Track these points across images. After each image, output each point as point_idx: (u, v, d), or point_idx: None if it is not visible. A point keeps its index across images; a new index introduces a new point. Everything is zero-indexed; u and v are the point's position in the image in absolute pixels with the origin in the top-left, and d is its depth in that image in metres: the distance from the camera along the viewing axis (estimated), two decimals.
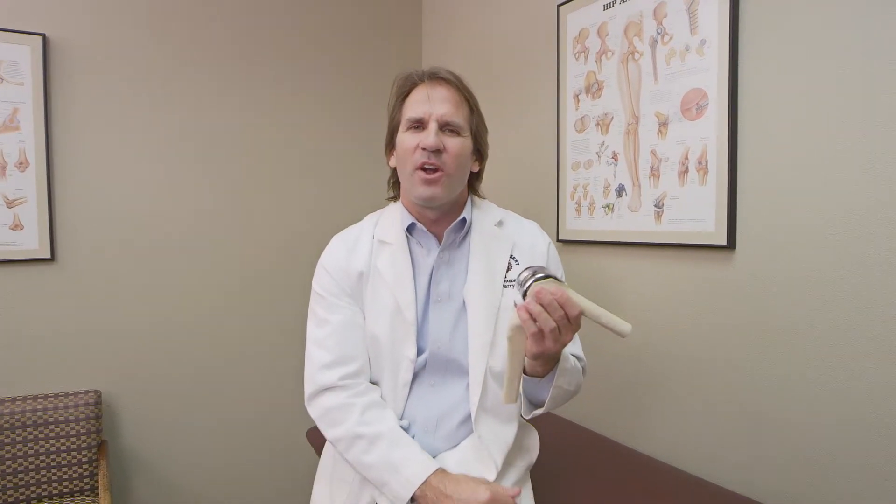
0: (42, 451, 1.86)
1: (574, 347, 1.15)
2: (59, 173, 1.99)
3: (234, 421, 2.29)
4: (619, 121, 1.59)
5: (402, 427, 1.07)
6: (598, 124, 1.66)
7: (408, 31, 2.61)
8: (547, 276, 0.88)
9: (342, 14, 2.45)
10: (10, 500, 1.81)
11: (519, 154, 2.01)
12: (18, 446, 1.83)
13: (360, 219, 1.24)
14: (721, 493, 1.30)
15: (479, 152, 1.18)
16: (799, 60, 1.19)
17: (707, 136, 1.36)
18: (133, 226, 2.10)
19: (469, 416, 1.09)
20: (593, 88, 1.67)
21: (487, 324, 1.09)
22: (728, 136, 1.31)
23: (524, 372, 1.00)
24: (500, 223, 1.19)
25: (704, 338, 1.40)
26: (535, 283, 0.87)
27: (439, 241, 1.14)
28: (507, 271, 1.14)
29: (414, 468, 1.00)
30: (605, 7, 1.62)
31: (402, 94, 1.15)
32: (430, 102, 1.09)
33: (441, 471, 1.00)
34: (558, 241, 1.80)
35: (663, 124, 1.46)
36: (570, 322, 0.88)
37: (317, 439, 1.78)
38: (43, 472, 1.85)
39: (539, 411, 1.05)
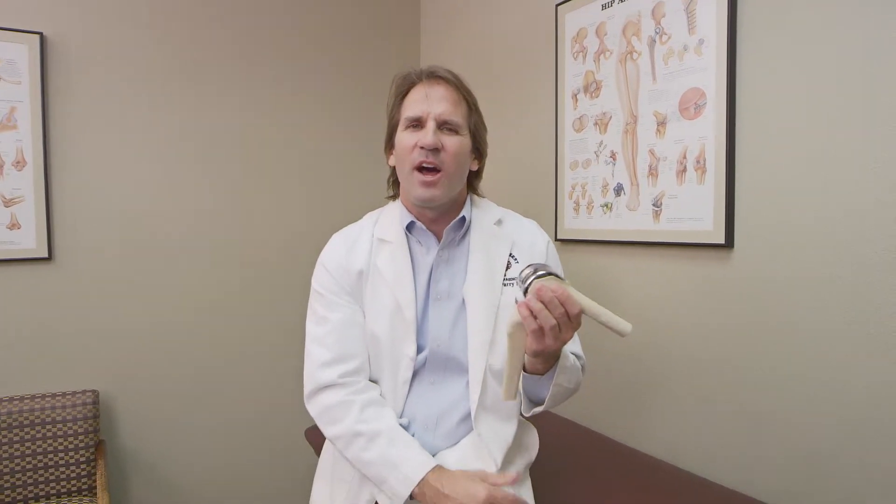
0: (39, 450, 1.85)
1: (573, 346, 1.15)
2: (56, 172, 1.98)
3: (233, 420, 2.29)
4: (618, 120, 1.59)
5: (401, 425, 1.07)
6: (596, 124, 1.66)
7: (407, 32, 2.61)
8: (548, 274, 0.89)
9: (341, 14, 2.45)
10: (7, 500, 1.80)
11: (517, 153, 2.01)
12: (16, 446, 1.82)
13: (359, 218, 1.24)
14: (720, 491, 1.31)
15: (478, 151, 1.18)
16: (797, 60, 1.20)
17: (705, 136, 1.36)
18: (131, 225, 2.10)
19: (469, 414, 1.10)
20: (592, 88, 1.67)
21: (487, 322, 1.09)
22: (726, 136, 1.31)
23: (524, 369, 1.00)
24: (499, 222, 1.19)
25: (703, 336, 1.41)
26: (536, 281, 0.88)
27: (439, 240, 1.14)
28: (506, 270, 1.14)
29: (413, 465, 1.00)
30: (604, 7, 1.62)
31: (401, 94, 1.15)
32: (428, 101, 1.09)
33: (439, 468, 1.00)
34: (556, 240, 1.80)
35: (661, 124, 1.47)
36: (570, 320, 0.89)
37: (315, 438, 1.78)
38: (40, 472, 1.85)
39: (539, 409, 1.05)
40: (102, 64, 2.04)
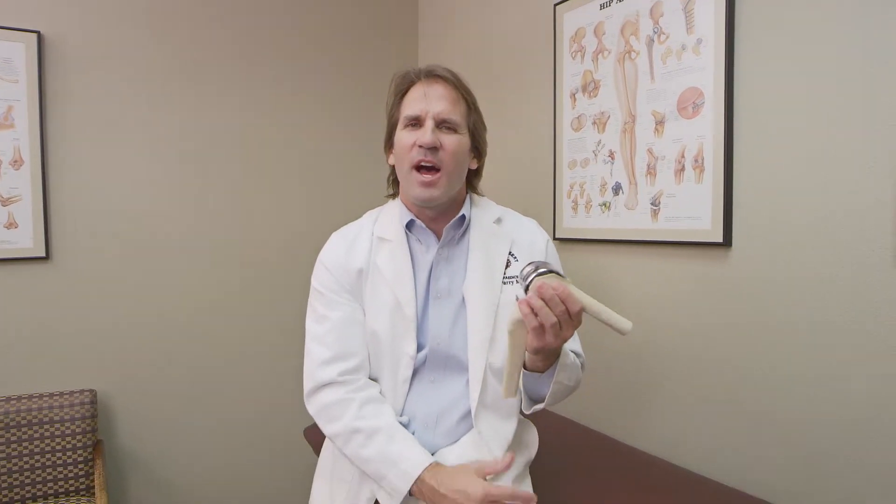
0: (37, 450, 1.85)
1: (573, 344, 1.16)
2: (54, 171, 1.98)
3: (232, 420, 2.28)
4: (616, 119, 1.60)
5: (401, 423, 1.08)
6: (594, 123, 1.67)
7: (405, 31, 2.61)
8: (549, 272, 0.89)
9: (340, 14, 2.45)
10: (5, 500, 1.80)
11: (516, 153, 2.01)
12: (13, 446, 1.82)
13: (358, 218, 1.25)
14: (719, 488, 1.31)
15: (477, 149, 1.18)
16: (795, 59, 1.21)
17: (703, 135, 1.37)
18: (129, 224, 2.09)
19: (469, 412, 1.10)
20: (590, 87, 1.68)
21: (487, 320, 1.09)
22: (724, 135, 1.32)
23: (524, 367, 1.01)
24: (498, 220, 1.19)
25: (701, 335, 1.42)
26: (537, 278, 0.88)
27: (438, 238, 1.14)
28: (505, 268, 1.14)
29: (411, 462, 1.00)
30: (602, 6, 1.63)
31: (400, 93, 1.16)
32: (426, 100, 1.09)
33: (435, 465, 1.00)
34: (555, 239, 1.81)
35: (660, 123, 1.47)
36: (571, 317, 0.89)
37: (314, 438, 1.78)
38: (38, 471, 1.84)
39: (539, 406, 1.06)
40: (100, 63, 2.03)
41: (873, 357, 1.10)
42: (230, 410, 2.28)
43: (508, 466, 0.99)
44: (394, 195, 1.23)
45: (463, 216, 1.14)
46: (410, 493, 0.99)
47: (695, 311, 1.43)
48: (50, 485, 1.86)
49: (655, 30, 1.48)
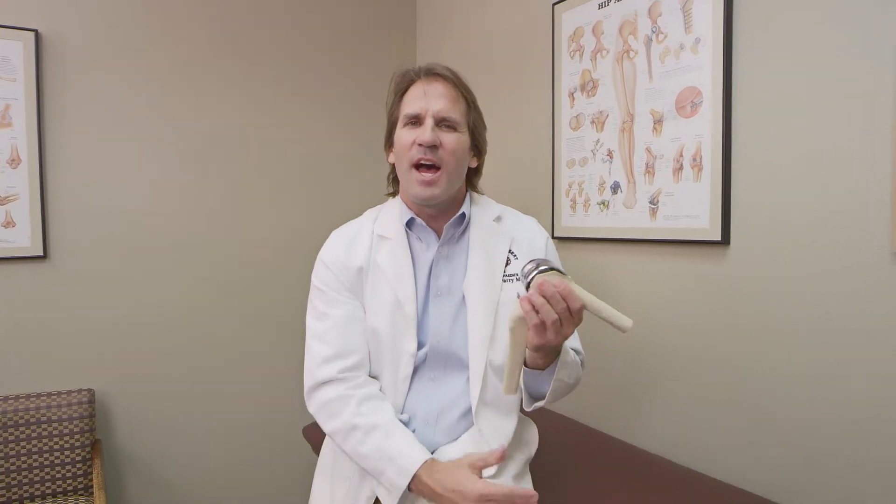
0: (35, 450, 1.84)
1: (573, 341, 1.16)
2: (51, 170, 1.97)
3: (231, 419, 2.28)
4: (614, 118, 1.60)
5: (402, 421, 1.08)
6: (593, 122, 1.67)
7: (404, 31, 2.61)
8: (550, 269, 0.89)
9: (339, 15, 2.45)
10: (3, 499, 1.79)
11: (514, 152, 2.02)
12: (11, 445, 1.81)
13: (358, 217, 1.25)
14: (718, 485, 1.32)
15: (477, 148, 1.18)
16: (792, 58, 1.21)
17: (701, 134, 1.38)
18: (127, 224, 2.09)
19: (469, 410, 1.10)
20: (588, 86, 1.69)
21: (487, 318, 1.10)
22: (722, 134, 1.33)
23: (524, 364, 1.01)
24: (498, 218, 1.20)
25: (699, 333, 1.42)
26: (538, 276, 0.89)
27: (438, 236, 1.15)
28: (505, 266, 1.15)
29: (408, 457, 1.00)
30: (600, 6, 1.63)
31: (400, 91, 1.16)
32: (426, 98, 1.10)
33: (432, 461, 1.00)
34: (553, 238, 1.81)
35: (658, 122, 1.48)
36: (571, 315, 0.90)
37: (313, 436, 1.78)
38: (36, 471, 1.84)
39: (540, 403, 1.06)
40: (99, 62, 2.03)
41: (872, 355, 1.11)
42: (229, 409, 2.28)
43: (500, 459, 0.97)
44: (394, 193, 1.23)
45: (463, 214, 1.15)
46: (409, 489, 1.00)
47: (693, 310, 1.44)
48: (48, 484, 1.85)
49: (654, 29, 1.48)
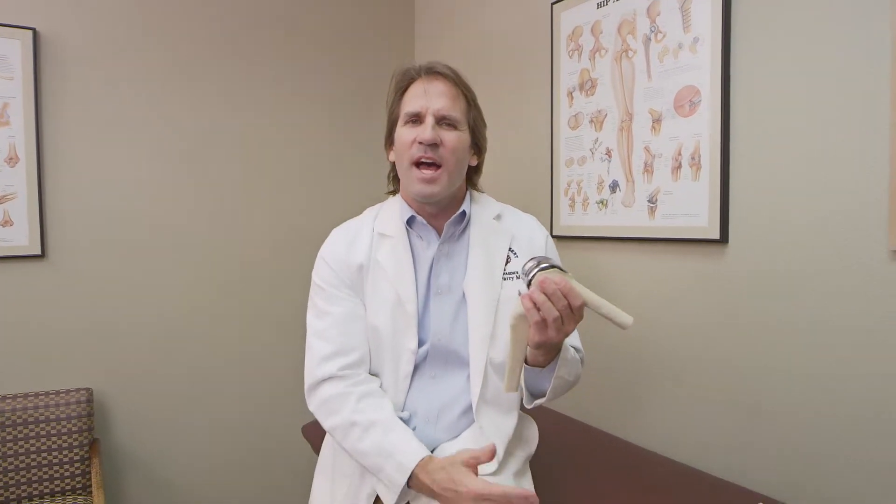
0: (33, 449, 1.84)
1: (573, 339, 1.16)
2: (49, 169, 1.97)
3: (229, 418, 2.28)
4: (613, 117, 1.61)
5: (402, 418, 1.08)
6: (591, 121, 1.68)
7: (403, 31, 2.61)
8: (551, 267, 0.90)
9: (338, 15, 2.45)
10: (1, 499, 1.79)
11: (513, 151, 2.02)
12: (9, 445, 1.81)
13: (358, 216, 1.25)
14: (716, 482, 1.32)
15: (477, 146, 1.19)
16: (790, 57, 1.22)
17: (700, 133, 1.38)
18: (125, 223, 2.09)
19: (470, 407, 1.11)
20: (587, 86, 1.69)
21: (487, 316, 1.10)
22: (721, 133, 1.33)
23: (525, 362, 1.02)
24: (498, 216, 1.20)
25: (697, 331, 1.43)
26: (539, 273, 0.89)
27: (439, 234, 1.15)
28: (505, 264, 1.15)
29: (406, 454, 1.00)
30: (599, 5, 1.64)
31: (401, 89, 1.16)
32: (426, 97, 1.10)
33: (429, 458, 0.99)
34: (552, 236, 1.80)
35: (657, 121, 1.49)
36: (572, 312, 0.90)
37: (312, 435, 1.78)
38: (34, 470, 1.83)
39: (540, 401, 1.06)
40: (97, 60, 2.02)
41: (871, 354, 1.11)
42: (228, 409, 2.27)
43: (491, 457, 0.95)
44: (394, 192, 1.24)
45: (463, 212, 1.15)
46: (409, 486, 1.00)
47: (692, 308, 1.44)
48: (46, 484, 1.85)
49: (652, 28, 1.49)
